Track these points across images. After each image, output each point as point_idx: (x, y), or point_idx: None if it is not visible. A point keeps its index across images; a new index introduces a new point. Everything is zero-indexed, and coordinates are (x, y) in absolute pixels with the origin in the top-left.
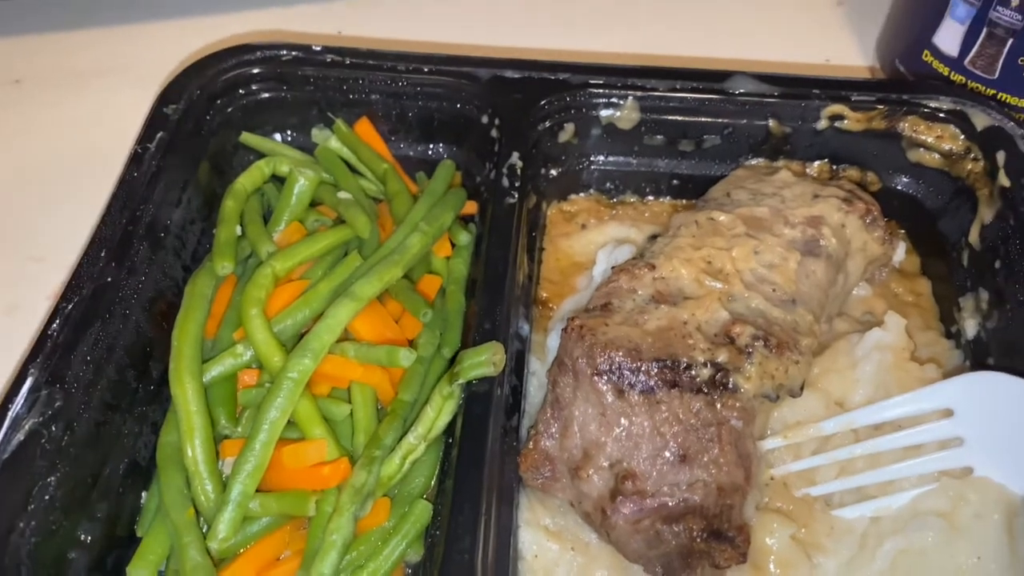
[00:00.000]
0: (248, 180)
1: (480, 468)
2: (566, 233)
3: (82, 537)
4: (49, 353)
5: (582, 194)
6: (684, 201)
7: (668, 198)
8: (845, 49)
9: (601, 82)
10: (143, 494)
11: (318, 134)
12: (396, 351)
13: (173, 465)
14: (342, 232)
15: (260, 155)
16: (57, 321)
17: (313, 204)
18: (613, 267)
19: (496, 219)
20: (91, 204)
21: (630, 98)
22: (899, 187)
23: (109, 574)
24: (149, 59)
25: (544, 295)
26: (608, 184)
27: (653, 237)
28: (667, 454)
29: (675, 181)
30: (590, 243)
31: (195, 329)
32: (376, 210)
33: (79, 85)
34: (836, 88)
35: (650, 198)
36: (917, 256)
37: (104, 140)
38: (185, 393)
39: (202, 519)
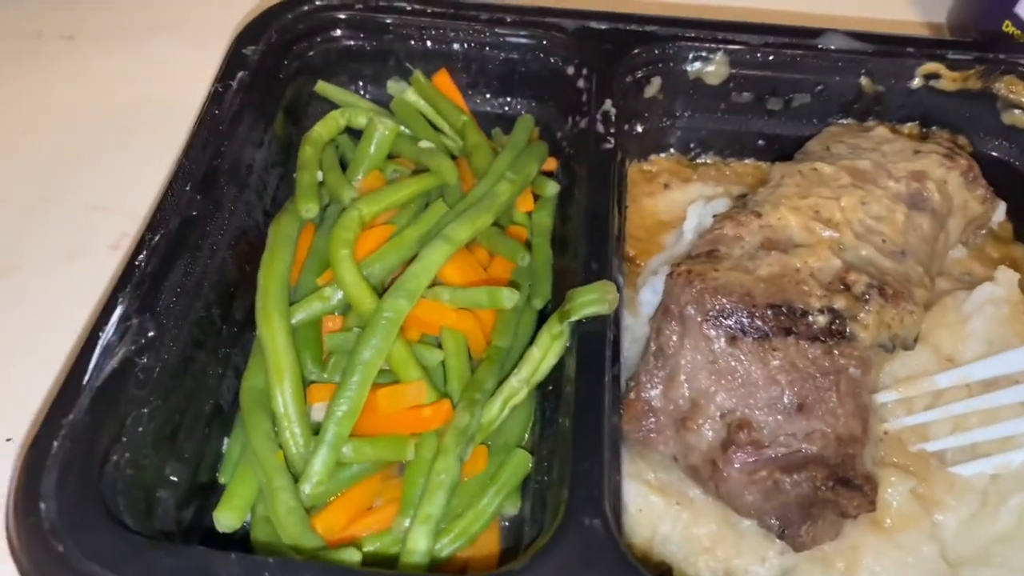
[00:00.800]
0: (324, 129)
1: (600, 415)
2: (648, 192)
3: (171, 477)
4: (138, 283)
5: (663, 154)
6: (768, 163)
7: (752, 159)
8: (913, 17)
9: (691, 35)
10: (225, 440)
11: (394, 86)
12: (498, 291)
13: (260, 409)
14: (427, 180)
15: (333, 106)
16: (144, 252)
17: (390, 156)
18: (715, 215)
19: (593, 164)
20: (147, 155)
21: (720, 52)
22: (992, 151)
23: (194, 518)
24: (199, 17)
25: (631, 252)
26: (691, 144)
27: (742, 196)
28: (783, 403)
29: (760, 141)
30: (675, 202)
31: (283, 270)
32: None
33: (131, 40)
34: (932, 47)
35: (732, 159)
36: (1009, 222)
37: (157, 93)
38: (274, 333)
39: (290, 465)
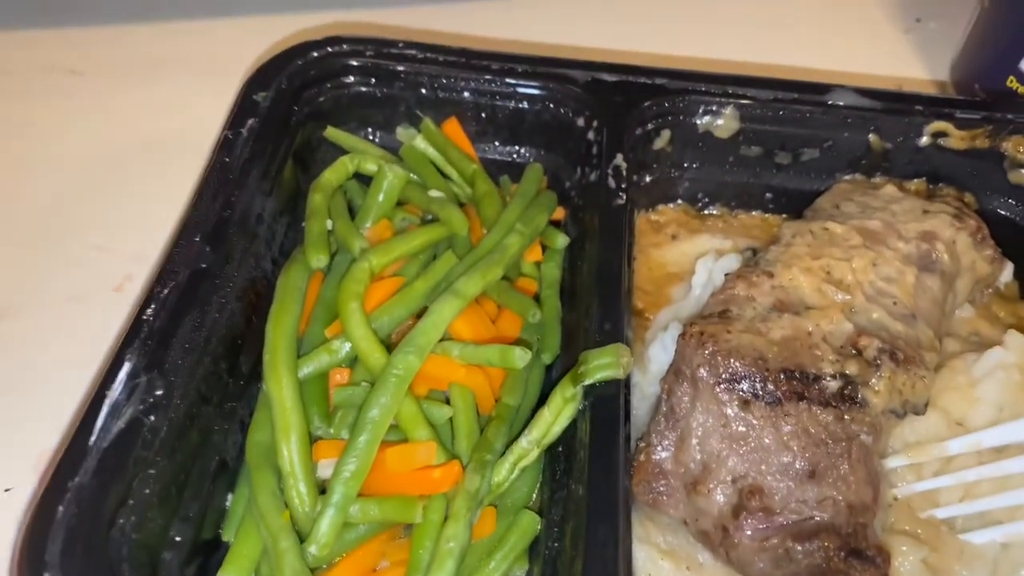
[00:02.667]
0: (333, 175)
1: (615, 482)
2: (656, 243)
3: (175, 537)
4: (145, 338)
5: (670, 204)
6: (775, 215)
7: (759, 211)
8: (917, 74)
9: (702, 88)
10: (228, 496)
11: (403, 133)
12: (510, 351)
13: (265, 465)
14: (437, 230)
15: (342, 151)
16: (152, 306)
17: (399, 204)
18: (726, 274)
19: (605, 219)
20: (151, 195)
21: (730, 106)
22: (999, 209)
23: None
24: (207, 54)
25: (639, 305)
26: (699, 195)
27: (750, 250)
28: (795, 469)
29: (768, 194)
30: (682, 254)
31: (291, 323)
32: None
33: (140, 77)
34: (940, 105)
35: (739, 211)
36: (1016, 281)
37: (163, 132)
38: (281, 388)
39: (296, 523)
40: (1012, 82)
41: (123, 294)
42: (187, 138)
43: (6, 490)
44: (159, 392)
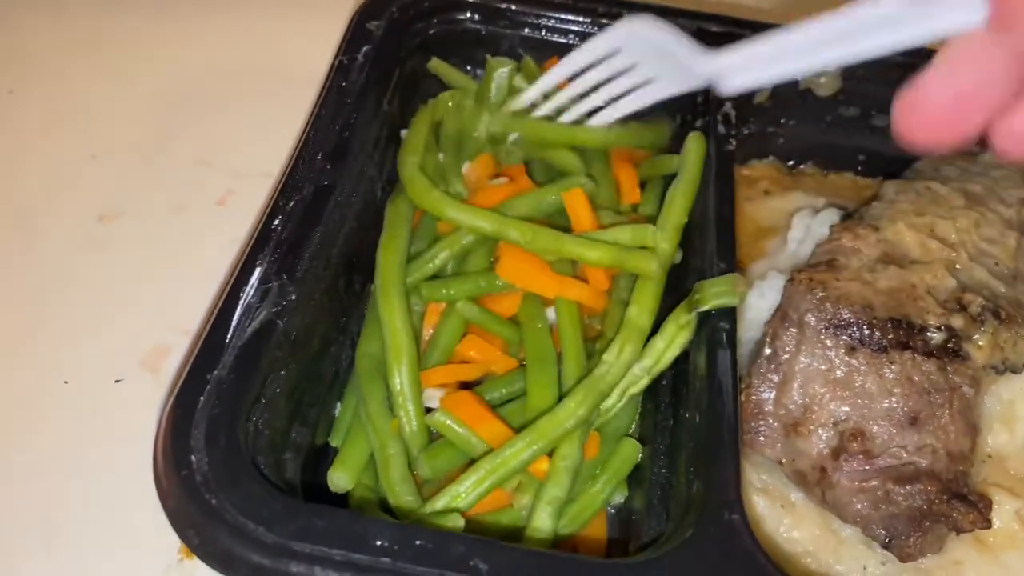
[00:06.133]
0: (434, 110)
1: (732, 411)
2: (749, 197)
3: (296, 440)
4: (275, 247)
5: (763, 161)
6: (868, 179)
7: (850, 173)
8: None
9: None
10: (337, 405)
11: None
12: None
13: (376, 376)
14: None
15: (443, 86)
16: (280, 217)
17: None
18: (831, 226)
19: (717, 164)
20: (253, 117)
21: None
22: None
23: (307, 482)
24: None
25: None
26: (791, 152)
27: (844, 210)
28: (897, 416)
29: (861, 156)
30: (775, 209)
31: (401, 248)
32: None
33: (241, 6)
34: None
35: (831, 172)
36: None
37: (264, 59)
38: (393, 311)
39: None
40: None
41: (226, 207)
42: (287, 66)
43: (116, 381)
44: (292, 297)
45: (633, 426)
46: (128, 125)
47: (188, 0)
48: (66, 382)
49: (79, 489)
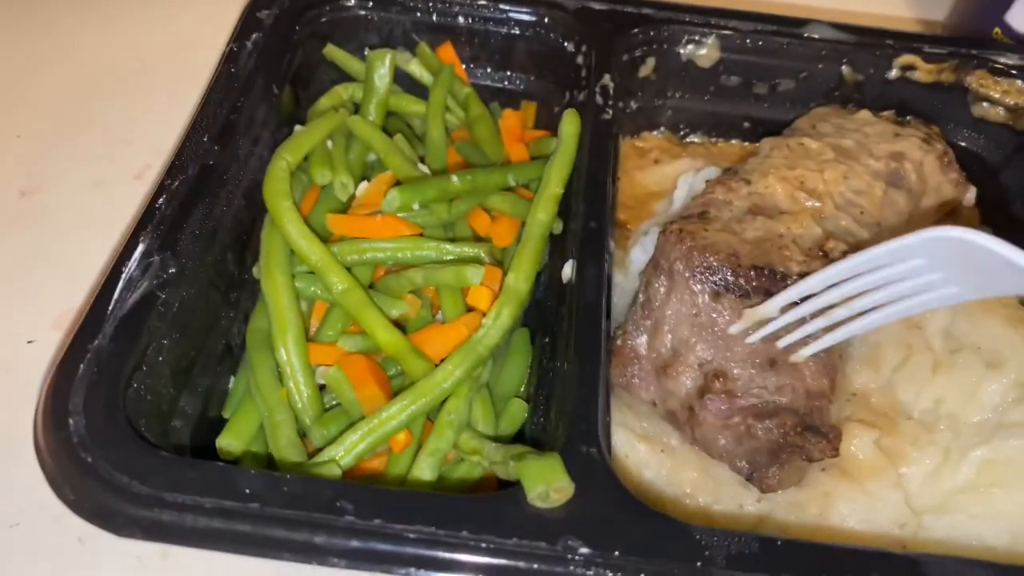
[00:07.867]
0: (328, 102)
1: (596, 360)
2: (639, 166)
3: (186, 409)
4: (158, 223)
5: (654, 132)
6: (755, 144)
7: (738, 140)
8: (907, 14)
9: (686, 18)
10: (231, 379)
11: (399, 57)
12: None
13: (264, 348)
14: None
15: (340, 74)
16: (164, 196)
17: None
18: (707, 181)
19: (592, 133)
20: (172, 97)
21: (712, 36)
22: (962, 142)
23: (200, 450)
24: None
25: (622, 218)
26: (681, 124)
27: (729, 169)
28: (757, 358)
29: (746, 124)
30: (664, 176)
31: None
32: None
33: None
34: (909, 40)
35: (719, 140)
36: (977, 209)
37: (178, 45)
38: (277, 288)
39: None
40: (997, 33)
41: (142, 181)
42: (204, 51)
43: (29, 342)
44: (172, 270)
45: (522, 387)
46: (51, 107)
47: None
48: None
49: None
